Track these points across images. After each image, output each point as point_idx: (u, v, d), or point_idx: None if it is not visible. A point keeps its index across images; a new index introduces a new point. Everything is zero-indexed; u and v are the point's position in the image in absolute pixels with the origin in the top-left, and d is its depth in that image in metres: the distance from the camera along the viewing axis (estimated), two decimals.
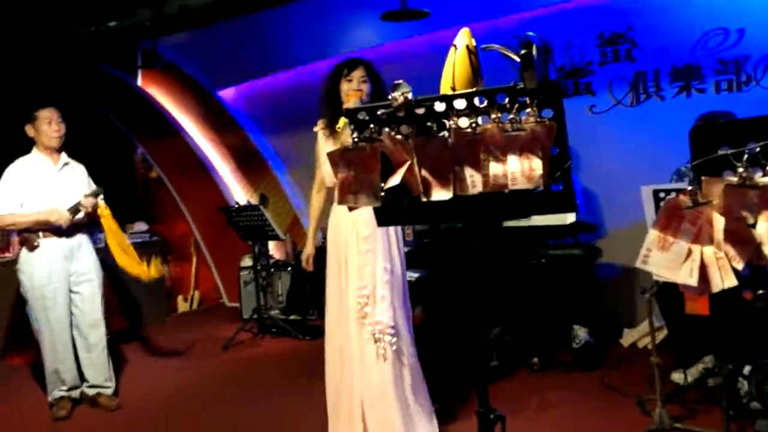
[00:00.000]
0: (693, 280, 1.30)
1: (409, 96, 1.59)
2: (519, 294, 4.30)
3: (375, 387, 2.88)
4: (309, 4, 4.49)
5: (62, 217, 3.75)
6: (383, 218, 1.74)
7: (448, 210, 1.67)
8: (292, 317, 5.81)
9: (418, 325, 3.33)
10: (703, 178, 1.26)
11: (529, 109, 1.53)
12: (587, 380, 3.95)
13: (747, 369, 3.27)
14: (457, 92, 1.57)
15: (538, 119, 1.53)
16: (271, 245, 6.19)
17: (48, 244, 3.81)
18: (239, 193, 6.79)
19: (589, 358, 4.15)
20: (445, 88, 1.67)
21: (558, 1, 4.44)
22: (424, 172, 1.64)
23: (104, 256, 4.16)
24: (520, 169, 1.54)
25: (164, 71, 6.16)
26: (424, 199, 1.64)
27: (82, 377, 3.95)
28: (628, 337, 4.51)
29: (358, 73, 2.99)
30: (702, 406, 3.38)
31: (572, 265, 4.16)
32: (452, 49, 1.69)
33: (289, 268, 6.05)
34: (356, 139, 1.67)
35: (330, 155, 1.70)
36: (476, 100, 1.57)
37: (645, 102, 4.51)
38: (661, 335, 4.31)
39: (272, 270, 6.07)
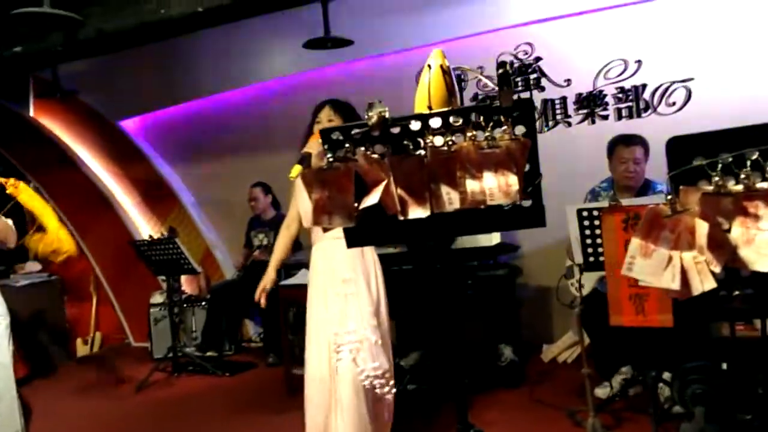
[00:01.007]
0: (675, 285, 1.38)
1: (386, 115, 1.60)
2: (444, 317, 4.37)
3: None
4: (226, 31, 4.42)
5: None
6: (355, 238, 1.72)
7: (419, 228, 1.68)
8: (208, 354, 5.59)
9: None
10: (680, 187, 1.34)
11: (504, 127, 1.57)
12: (516, 397, 4.05)
13: (666, 375, 3.48)
14: (433, 111, 1.60)
15: (513, 136, 1.58)
16: (183, 279, 5.94)
17: None
18: (144, 227, 6.50)
19: (515, 376, 4.26)
20: (420, 107, 1.69)
21: (471, 33, 4.62)
22: (399, 191, 1.65)
23: (11, 297, 3.87)
24: (497, 185, 1.58)
25: (61, 101, 5.85)
26: (401, 218, 1.65)
27: None
28: (548, 353, 4.68)
29: (323, 115, 2.98)
30: (627, 414, 3.56)
31: (496, 286, 4.28)
32: (426, 68, 1.72)
33: (204, 303, 5.83)
34: (331, 159, 1.65)
35: (304, 176, 1.68)
36: (451, 119, 1.60)
37: (554, 128, 4.76)
38: (579, 349, 4.51)
39: (185, 306, 5.83)
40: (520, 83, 4.79)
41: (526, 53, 4.75)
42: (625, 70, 4.47)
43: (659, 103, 4.39)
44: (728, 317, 3.20)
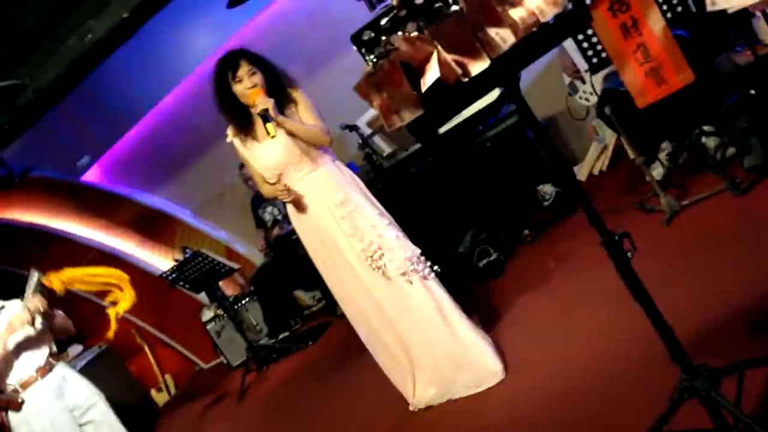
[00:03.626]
0: None
1: None
2: (475, 189, 4.42)
3: (426, 319, 2.89)
4: (140, 36, 4.22)
5: (21, 318, 3.31)
6: (434, 117, 1.71)
7: (483, 79, 1.66)
8: (281, 337, 5.64)
9: None
10: None
11: None
12: (579, 220, 4.11)
13: (707, 128, 3.57)
14: None
15: None
16: (221, 285, 5.92)
17: (32, 394, 3.44)
18: (158, 260, 6.43)
19: (566, 205, 4.34)
20: None
21: None
22: (452, 56, 1.62)
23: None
24: (542, 0, 1.56)
25: (19, 187, 5.65)
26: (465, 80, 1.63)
27: None
28: (582, 171, 4.75)
29: (243, 71, 2.91)
30: (686, 180, 3.66)
31: (510, 136, 4.30)
32: None
33: (252, 297, 5.84)
34: (375, 60, 1.62)
35: (358, 88, 1.65)
36: None
37: None
38: (608, 152, 4.61)
39: (236, 307, 5.84)
40: None
41: None
42: None
43: None
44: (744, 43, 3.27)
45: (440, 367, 2.90)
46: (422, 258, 2.94)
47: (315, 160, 2.98)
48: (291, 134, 2.92)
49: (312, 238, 3.04)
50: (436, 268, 2.96)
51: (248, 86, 2.90)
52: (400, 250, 2.90)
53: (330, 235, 2.96)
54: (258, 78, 2.92)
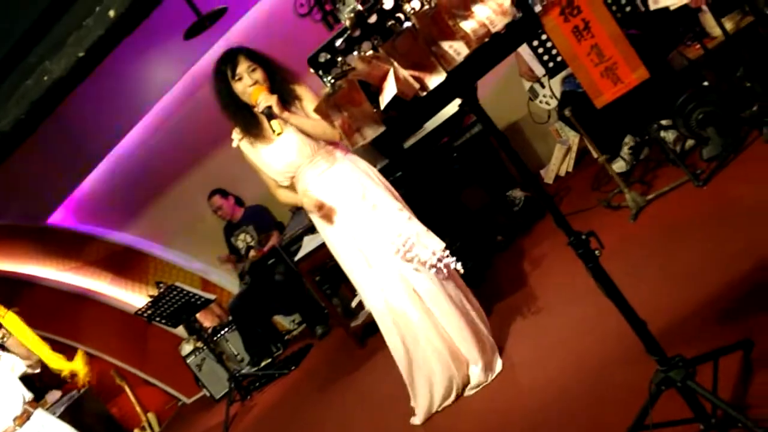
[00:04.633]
0: None
1: (359, 8, 1.58)
2: (446, 200, 4.44)
3: (449, 314, 2.81)
4: (99, 73, 4.20)
5: None
6: (399, 133, 1.73)
7: (440, 92, 1.69)
8: (263, 364, 5.59)
9: None
10: None
11: None
12: (550, 225, 4.16)
13: (665, 122, 3.65)
14: None
15: None
16: (199, 317, 5.86)
17: None
18: (132, 297, 6.34)
19: (536, 210, 4.39)
20: None
21: None
22: (408, 71, 1.64)
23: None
24: (491, 11, 1.60)
25: None
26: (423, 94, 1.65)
27: None
28: (549, 174, 4.80)
29: (242, 68, 2.82)
30: (650, 175, 3.73)
31: (476, 144, 4.34)
32: None
33: (231, 326, 5.79)
34: (332, 81, 1.63)
35: (318, 110, 1.66)
36: None
37: None
38: (572, 153, 4.68)
39: (216, 338, 5.79)
40: None
41: None
42: None
43: None
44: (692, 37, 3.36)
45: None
46: (446, 252, 2.83)
47: (328, 156, 2.88)
48: (300, 131, 2.82)
49: (343, 242, 2.88)
50: (453, 264, 2.85)
51: (249, 83, 2.81)
52: (421, 246, 2.79)
53: (356, 233, 2.84)
54: (259, 74, 2.83)
